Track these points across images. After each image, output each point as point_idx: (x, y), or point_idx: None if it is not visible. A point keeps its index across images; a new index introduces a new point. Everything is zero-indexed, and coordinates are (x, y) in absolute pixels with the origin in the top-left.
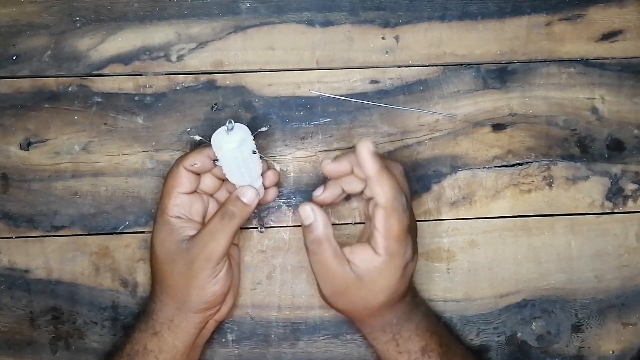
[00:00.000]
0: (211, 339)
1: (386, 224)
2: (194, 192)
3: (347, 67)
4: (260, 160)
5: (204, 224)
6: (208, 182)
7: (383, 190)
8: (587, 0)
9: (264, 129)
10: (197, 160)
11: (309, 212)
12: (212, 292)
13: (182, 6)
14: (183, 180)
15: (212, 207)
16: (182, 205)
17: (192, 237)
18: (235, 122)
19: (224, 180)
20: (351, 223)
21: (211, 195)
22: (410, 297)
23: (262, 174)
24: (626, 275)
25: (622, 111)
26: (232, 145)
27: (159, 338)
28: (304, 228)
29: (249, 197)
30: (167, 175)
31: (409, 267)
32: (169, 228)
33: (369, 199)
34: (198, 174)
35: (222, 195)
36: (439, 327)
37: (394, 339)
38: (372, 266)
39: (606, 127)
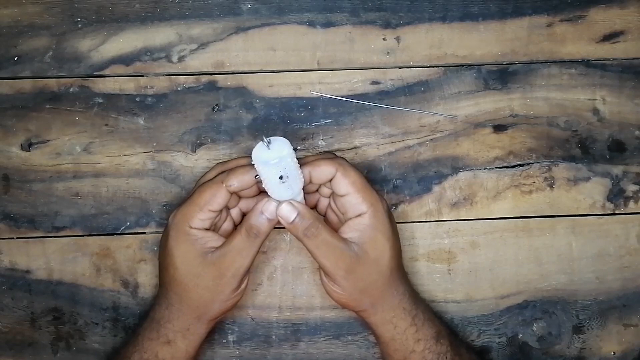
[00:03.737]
0: (212, 340)
1: (349, 179)
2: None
3: (348, 68)
4: (301, 173)
5: (219, 233)
6: (231, 199)
7: (325, 163)
8: (588, 1)
9: (305, 144)
10: (242, 182)
11: (290, 208)
12: (234, 303)
13: (184, 7)
14: (219, 200)
15: (230, 217)
16: (207, 220)
17: (217, 250)
18: (274, 136)
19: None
20: None
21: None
22: (409, 280)
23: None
24: (627, 276)
25: (623, 112)
26: (275, 160)
27: (172, 346)
28: (292, 225)
29: (272, 212)
30: (202, 188)
31: (391, 217)
32: (192, 239)
33: (329, 197)
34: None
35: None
36: (439, 316)
37: (413, 323)
38: (364, 226)
39: (607, 128)
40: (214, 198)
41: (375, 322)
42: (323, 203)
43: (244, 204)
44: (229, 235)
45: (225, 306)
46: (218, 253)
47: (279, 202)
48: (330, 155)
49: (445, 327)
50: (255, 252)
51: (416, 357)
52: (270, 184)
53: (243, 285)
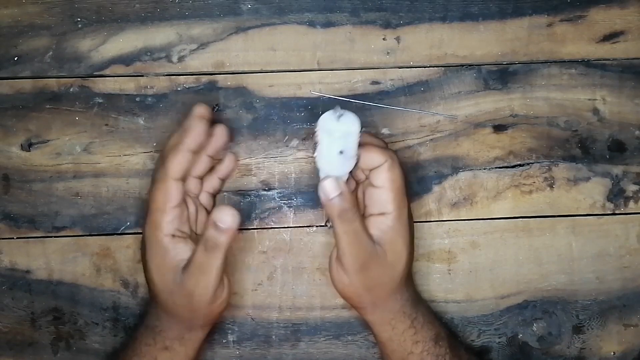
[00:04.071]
0: (212, 340)
1: (392, 175)
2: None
3: (348, 68)
4: (357, 157)
5: (191, 231)
6: (190, 186)
7: (377, 151)
8: (588, 1)
9: (365, 129)
10: (183, 160)
11: (334, 185)
12: (219, 310)
13: (184, 7)
14: (173, 193)
15: (193, 209)
16: (175, 219)
17: (184, 269)
18: (348, 111)
19: (202, 178)
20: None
21: (192, 196)
22: (414, 284)
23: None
24: (627, 276)
25: (623, 112)
26: (338, 133)
27: (171, 351)
28: (330, 203)
29: (226, 222)
30: (153, 192)
31: (412, 226)
32: (163, 252)
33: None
34: (183, 180)
35: (191, 186)
36: (439, 317)
37: (412, 326)
38: (387, 227)
39: (607, 128)
40: (168, 194)
41: (373, 320)
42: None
43: (208, 185)
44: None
45: (211, 315)
46: (184, 273)
47: (322, 178)
48: (382, 144)
49: (444, 328)
50: (219, 265)
51: (414, 359)
52: (325, 155)
53: (224, 293)
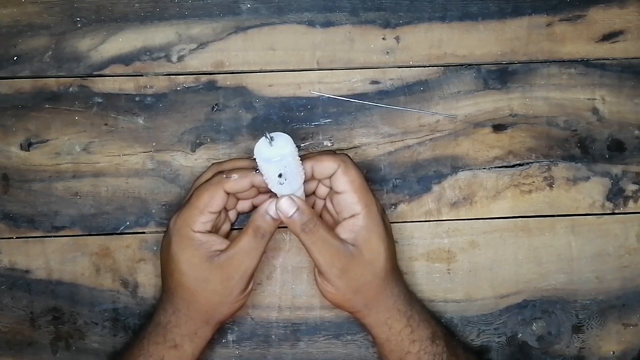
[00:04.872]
0: (212, 339)
1: (349, 177)
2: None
3: (348, 68)
4: (303, 169)
5: (219, 233)
6: (230, 201)
7: (327, 159)
8: (587, 0)
9: (309, 142)
10: (242, 185)
11: (290, 202)
12: (241, 305)
13: (183, 7)
14: (218, 202)
15: (227, 218)
16: (209, 222)
17: (223, 253)
18: (278, 132)
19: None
20: None
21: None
22: (405, 281)
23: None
24: (627, 275)
25: (622, 112)
26: (276, 157)
27: (179, 350)
28: (290, 220)
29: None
30: (200, 190)
31: (386, 219)
32: (196, 244)
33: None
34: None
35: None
36: (436, 316)
37: (408, 325)
38: (359, 227)
39: (607, 128)
40: (213, 200)
41: (369, 323)
42: (318, 205)
43: (240, 206)
44: (227, 237)
45: (233, 308)
46: (225, 256)
47: (279, 197)
48: (330, 152)
49: (441, 327)
50: (262, 252)
51: (412, 358)
52: (270, 180)
53: (250, 286)
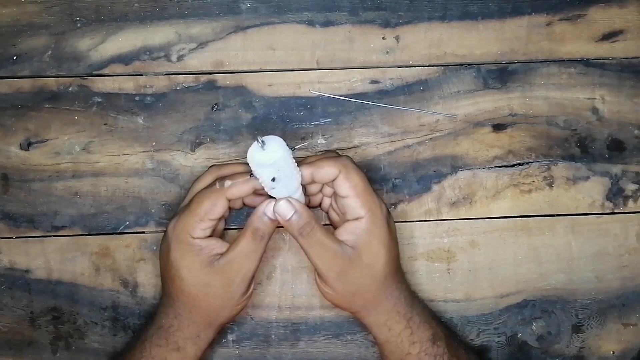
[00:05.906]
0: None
1: (351, 182)
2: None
3: (348, 67)
4: (299, 171)
5: (215, 235)
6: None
7: (328, 164)
8: (587, 0)
9: (304, 144)
10: (244, 191)
11: (287, 205)
12: (243, 307)
13: (183, 6)
14: (219, 209)
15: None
16: (209, 229)
17: (223, 257)
18: (269, 135)
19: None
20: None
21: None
22: (407, 283)
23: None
24: (626, 275)
25: (622, 111)
26: (269, 162)
27: (181, 352)
28: (288, 223)
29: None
30: (201, 197)
31: (391, 223)
32: (196, 250)
33: (330, 197)
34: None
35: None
36: (437, 317)
37: (408, 327)
38: (360, 230)
39: (606, 128)
40: (214, 207)
41: (369, 323)
42: (326, 202)
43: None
44: (223, 236)
45: (235, 310)
46: (224, 260)
47: (277, 200)
48: (333, 155)
49: (442, 328)
50: (261, 254)
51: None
52: (265, 184)
53: (251, 288)
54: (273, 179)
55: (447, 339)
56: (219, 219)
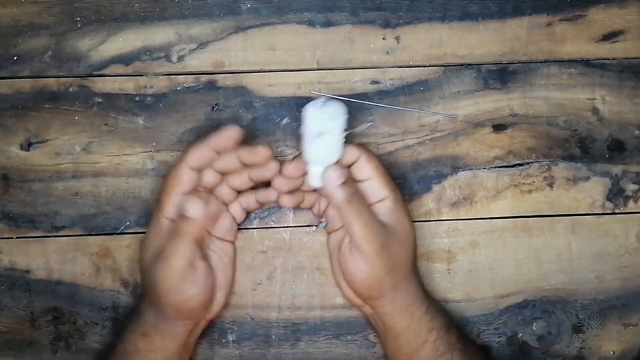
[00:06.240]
0: (212, 339)
1: (373, 163)
2: (194, 190)
3: (348, 68)
4: (343, 145)
5: (220, 226)
6: (208, 177)
7: (349, 146)
8: (587, 0)
9: (367, 125)
10: (203, 154)
11: (338, 171)
12: (187, 308)
13: (183, 7)
14: (184, 179)
15: (215, 209)
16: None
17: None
18: (335, 100)
19: (224, 174)
20: None
21: (211, 192)
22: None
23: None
24: (627, 275)
25: (622, 112)
26: (325, 116)
27: (149, 339)
28: (337, 189)
29: (192, 212)
30: (167, 175)
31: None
32: (160, 232)
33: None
34: (199, 171)
35: (224, 191)
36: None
37: (428, 312)
38: (389, 209)
39: (607, 128)
40: (179, 178)
41: (392, 310)
42: (321, 205)
43: (244, 201)
44: (234, 236)
45: (179, 309)
46: (157, 258)
47: (327, 168)
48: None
49: (452, 319)
50: (183, 254)
51: (428, 348)
52: (309, 141)
53: (193, 291)
54: (320, 134)
55: (458, 329)
56: (190, 194)
